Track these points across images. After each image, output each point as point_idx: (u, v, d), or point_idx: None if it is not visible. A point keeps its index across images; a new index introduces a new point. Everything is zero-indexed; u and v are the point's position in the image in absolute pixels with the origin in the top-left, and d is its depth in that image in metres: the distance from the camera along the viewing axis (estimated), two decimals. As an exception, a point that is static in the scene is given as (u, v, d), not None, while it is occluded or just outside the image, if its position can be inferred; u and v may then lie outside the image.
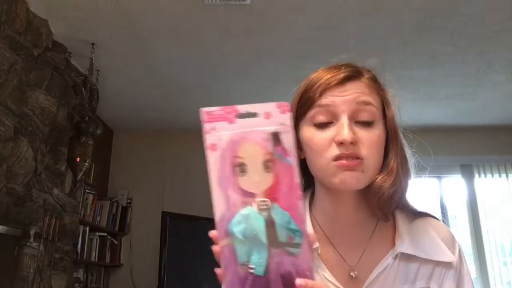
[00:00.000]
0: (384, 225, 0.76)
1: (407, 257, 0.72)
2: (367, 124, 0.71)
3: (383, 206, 0.72)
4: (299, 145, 0.75)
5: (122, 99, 4.01)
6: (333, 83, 0.72)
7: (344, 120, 0.69)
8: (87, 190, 3.75)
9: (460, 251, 0.75)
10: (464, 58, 3.26)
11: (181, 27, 2.87)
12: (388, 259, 0.72)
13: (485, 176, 4.63)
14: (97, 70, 3.30)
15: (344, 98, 0.71)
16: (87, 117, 3.21)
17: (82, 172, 3.24)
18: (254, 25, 2.85)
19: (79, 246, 3.53)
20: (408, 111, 4.17)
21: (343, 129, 0.68)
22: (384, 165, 0.73)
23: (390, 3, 2.63)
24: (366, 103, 0.71)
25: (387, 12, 2.70)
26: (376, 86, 0.76)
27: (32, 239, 2.61)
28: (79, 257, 3.52)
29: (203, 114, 0.51)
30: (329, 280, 0.72)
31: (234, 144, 0.50)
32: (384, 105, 0.75)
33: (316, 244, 0.73)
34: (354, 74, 0.74)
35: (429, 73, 3.50)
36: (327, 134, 0.70)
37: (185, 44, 3.07)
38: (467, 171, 4.65)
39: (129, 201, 4.51)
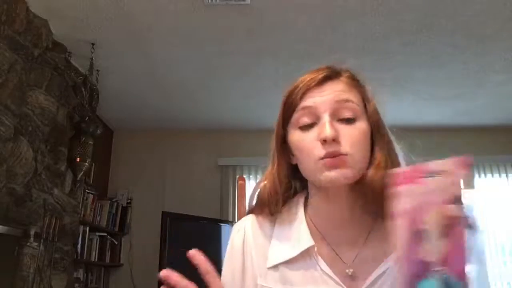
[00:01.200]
0: (382, 225, 0.75)
1: None
2: (349, 121, 0.72)
3: (378, 200, 0.71)
4: (290, 150, 0.78)
5: (122, 99, 4.01)
6: (312, 84, 0.75)
7: (325, 118, 0.71)
8: (87, 190, 3.75)
9: None
10: (464, 58, 3.26)
11: (181, 27, 2.87)
12: (388, 263, 0.71)
13: (485, 176, 4.62)
14: (97, 70, 3.30)
15: (323, 98, 0.73)
16: (87, 117, 3.21)
17: (82, 172, 3.24)
18: (254, 25, 2.85)
19: (79, 246, 3.53)
20: (408, 111, 4.19)
21: (325, 127, 0.70)
22: (371, 160, 0.74)
23: (390, 3, 2.63)
24: (346, 101, 0.73)
25: (387, 12, 2.70)
26: (355, 83, 0.77)
27: (32, 239, 2.61)
28: (79, 257, 3.52)
29: (395, 177, 0.51)
30: (326, 273, 0.72)
31: (420, 210, 0.50)
32: (365, 101, 0.77)
33: (312, 243, 0.74)
34: (332, 74, 0.76)
35: (429, 73, 3.50)
36: (312, 135, 0.72)
37: (185, 44, 3.07)
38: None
39: (129, 201, 4.51)
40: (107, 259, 4.16)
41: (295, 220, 0.78)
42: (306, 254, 0.74)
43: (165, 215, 4.12)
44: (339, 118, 0.72)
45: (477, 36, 2.97)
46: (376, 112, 0.76)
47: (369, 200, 0.73)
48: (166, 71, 3.49)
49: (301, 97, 0.75)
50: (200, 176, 4.59)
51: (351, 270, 0.72)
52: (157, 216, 4.21)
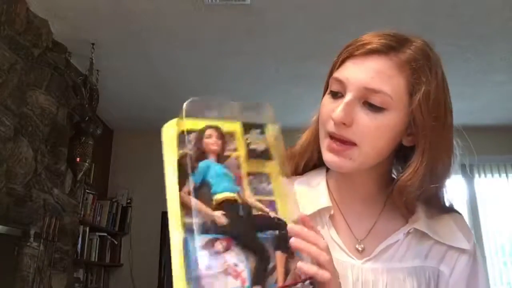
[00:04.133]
0: (395, 204, 0.74)
1: (421, 235, 0.70)
2: (376, 110, 0.64)
3: (410, 205, 0.70)
4: None
5: (122, 99, 4.01)
6: (356, 53, 0.68)
7: (347, 98, 0.65)
8: (87, 190, 3.75)
9: (475, 243, 0.73)
10: (464, 58, 3.26)
11: (181, 27, 2.87)
12: (400, 234, 0.70)
13: (485, 176, 4.62)
14: (97, 70, 3.30)
15: (358, 76, 0.65)
16: (87, 117, 3.21)
17: (82, 172, 3.24)
18: (254, 25, 2.85)
19: (79, 246, 3.52)
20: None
21: (338, 108, 0.64)
22: (409, 163, 0.67)
23: (390, 3, 2.63)
24: (375, 92, 0.64)
25: (387, 12, 2.70)
26: (407, 70, 0.66)
27: (32, 239, 2.61)
28: (79, 257, 3.52)
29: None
30: (335, 241, 0.70)
31: None
32: (415, 91, 0.65)
33: (329, 204, 0.72)
34: (382, 48, 0.66)
35: (429, 73, 3.50)
36: (332, 106, 0.67)
37: (185, 44, 3.07)
38: (467, 171, 4.64)
39: (129, 201, 4.51)
40: (107, 259, 4.16)
41: (315, 183, 0.76)
42: (318, 215, 0.72)
43: (165, 215, 4.12)
44: (366, 101, 0.65)
45: (477, 36, 2.97)
46: (421, 108, 0.65)
47: (398, 203, 0.69)
48: (166, 71, 3.49)
49: (342, 62, 0.69)
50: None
51: (362, 246, 0.71)
52: (157, 216, 4.21)
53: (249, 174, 0.57)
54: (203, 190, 0.53)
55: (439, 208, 0.74)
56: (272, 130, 0.59)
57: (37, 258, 2.65)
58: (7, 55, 2.40)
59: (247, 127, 0.58)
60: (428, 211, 0.73)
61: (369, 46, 0.67)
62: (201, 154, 0.56)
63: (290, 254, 0.53)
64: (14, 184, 2.48)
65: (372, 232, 0.72)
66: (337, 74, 0.68)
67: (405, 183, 0.67)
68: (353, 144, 0.65)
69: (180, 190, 0.54)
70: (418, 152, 0.67)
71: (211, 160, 0.56)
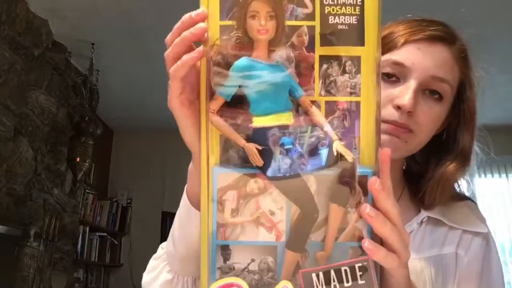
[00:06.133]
0: (410, 193, 0.74)
1: (435, 222, 0.70)
2: (436, 99, 0.64)
3: (445, 193, 0.69)
4: None
5: (122, 99, 4.01)
6: (420, 37, 0.66)
7: (412, 85, 0.62)
8: (87, 190, 3.75)
9: (488, 229, 0.74)
10: (464, 58, 3.27)
11: (181, 27, 2.87)
12: (413, 225, 0.70)
13: (485, 176, 4.62)
14: (97, 70, 3.30)
15: (424, 62, 0.63)
16: (87, 117, 3.22)
17: (82, 172, 3.24)
18: (254, 25, 2.85)
19: (79, 246, 3.53)
20: (408, 111, 4.19)
21: (407, 94, 0.61)
22: (455, 149, 0.69)
23: (390, 3, 2.63)
24: (442, 80, 0.64)
25: (387, 12, 2.70)
26: (462, 62, 0.68)
27: (32, 239, 2.61)
28: (79, 257, 3.52)
29: None
30: None
31: None
32: (466, 85, 0.68)
33: None
34: (447, 36, 0.67)
35: (429, 73, 3.51)
36: (388, 92, 0.63)
37: (185, 44, 3.07)
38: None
39: (129, 201, 4.51)
40: (107, 259, 4.16)
41: None
42: None
43: (165, 215, 4.13)
44: (426, 89, 0.64)
45: (477, 36, 2.97)
46: (474, 101, 0.68)
47: (433, 190, 0.69)
48: (166, 71, 3.48)
49: (402, 44, 0.65)
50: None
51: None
52: (157, 216, 4.22)
53: (324, 58, 0.38)
54: (236, 108, 0.38)
55: (452, 195, 0.74)
56: None
57: (37, 258, 2.65)
58: (7, 55, 2.40)
59: None
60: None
61: (433, 33, 0.66)
62: (241, 44, 0.37)
63: (352, 207, 0.38)
64: (14, 184, 2.48)
65: None
66: (397, 57, 0.65)
67: (455, 170, 0.68)
68: (410, 131, 0.64)
69: (207, 106, 0.38)
70: (467, 138, 0.69)
71: (253, 57, 0.37)
